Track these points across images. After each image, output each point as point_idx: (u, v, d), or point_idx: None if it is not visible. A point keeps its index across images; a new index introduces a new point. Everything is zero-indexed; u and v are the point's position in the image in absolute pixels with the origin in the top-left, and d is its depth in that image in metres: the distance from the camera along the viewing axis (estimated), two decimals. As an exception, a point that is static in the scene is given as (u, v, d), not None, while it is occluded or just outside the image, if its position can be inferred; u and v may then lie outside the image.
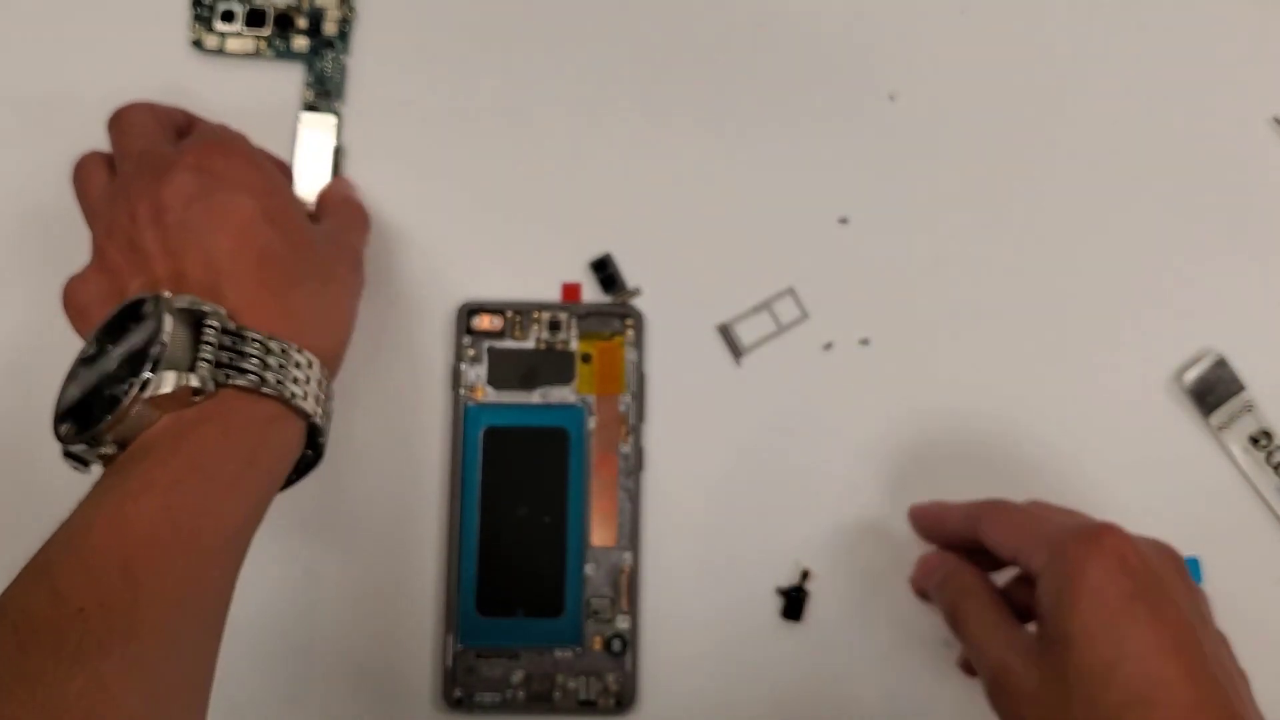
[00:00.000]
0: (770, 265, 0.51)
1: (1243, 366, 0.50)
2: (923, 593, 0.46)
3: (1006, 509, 0.41)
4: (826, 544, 0.49)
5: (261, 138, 0.46)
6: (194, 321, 0.37)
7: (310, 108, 0.49)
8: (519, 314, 0.50)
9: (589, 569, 0.48)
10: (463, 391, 0.49)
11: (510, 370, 0.49)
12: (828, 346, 0.51)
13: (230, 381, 0.37)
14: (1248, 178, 0.52)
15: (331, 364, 0.42)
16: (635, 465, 0.49)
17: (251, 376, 0.37)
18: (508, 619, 0.48)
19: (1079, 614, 0.35)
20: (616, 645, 0.48)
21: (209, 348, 0.37)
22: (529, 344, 0.50)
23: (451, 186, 0.51)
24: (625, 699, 0.48)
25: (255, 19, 0.50)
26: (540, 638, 0.48)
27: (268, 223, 0.40)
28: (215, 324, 0.38)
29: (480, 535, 0.48)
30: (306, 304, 0.41)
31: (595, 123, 0.52)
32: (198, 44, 0.50)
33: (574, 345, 0.50)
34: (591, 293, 0.50)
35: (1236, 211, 0.52)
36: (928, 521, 0.46)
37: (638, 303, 0.50)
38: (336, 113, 0.49)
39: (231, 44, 0.50)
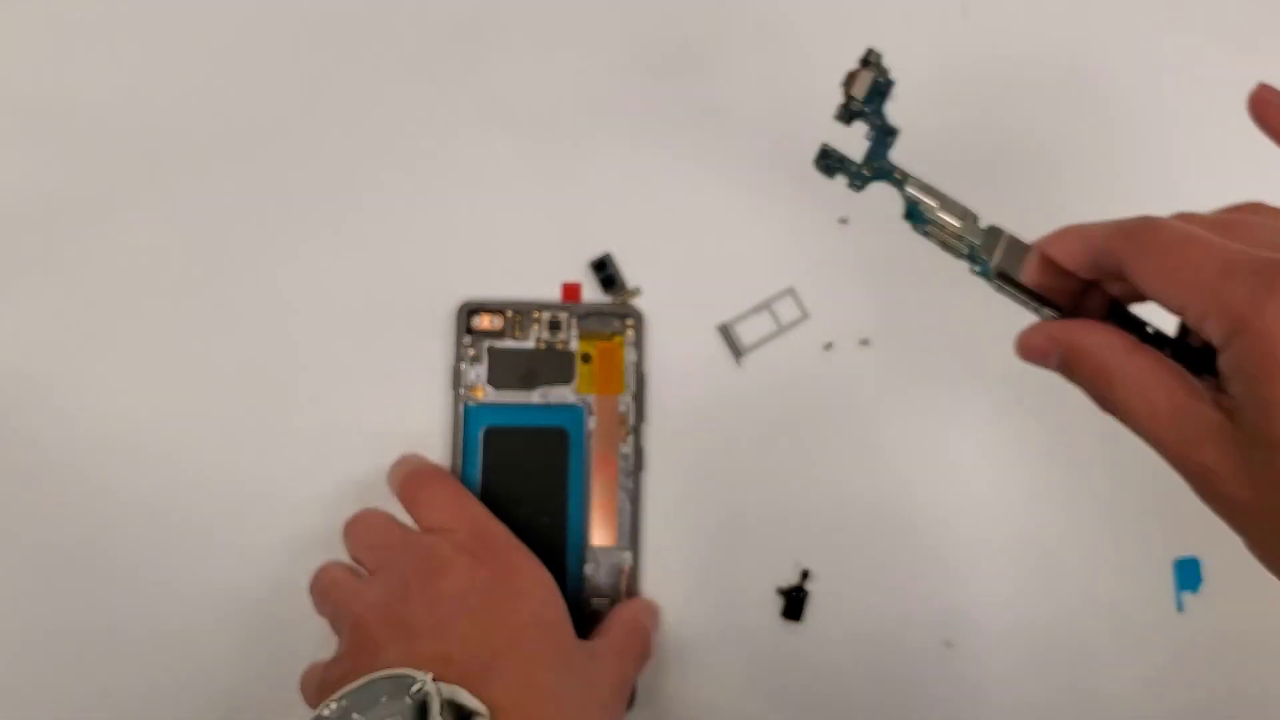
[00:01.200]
0: (770, 265, 0.51)
1: (1243, 366, 0.50)
2: (1033, 354, 0.38)
3: (1158, 238, 0.33)
4: (826, 544, 0.49)
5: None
6: (456, 717, 0.36)
7: None
8: (519, 314, 0.50)
9: (589, 569, 0.48)
10: (463, 391, 0.49)
11: (510, 370, 0.49)
12: (828, 346, 0.50)
13: None
14: (1247, 178, 0.52)
15: None
16: (635, 465, 0.49)
17: None
18: (508, 619, 0.48)
19: None
20: (616, 645, 0.48)
21: None
22: (529, 344, 0.50)
23: (452, 186, 0.51)
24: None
25: None
26: (540, 638, 0.48)
27: (538, 630, 0.41)
28: None
29: (480, 535, 0.48)
30: (571, 703, 0.40)
31: (595, 122, 0.52)
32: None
33: (574, 345, 0.50)
34: (591, 293, 0.50)
35: (1237, 211, 0.52)
36: (1060, 250, 0.38)
37: (638, 303, 0.50)
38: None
39: None
